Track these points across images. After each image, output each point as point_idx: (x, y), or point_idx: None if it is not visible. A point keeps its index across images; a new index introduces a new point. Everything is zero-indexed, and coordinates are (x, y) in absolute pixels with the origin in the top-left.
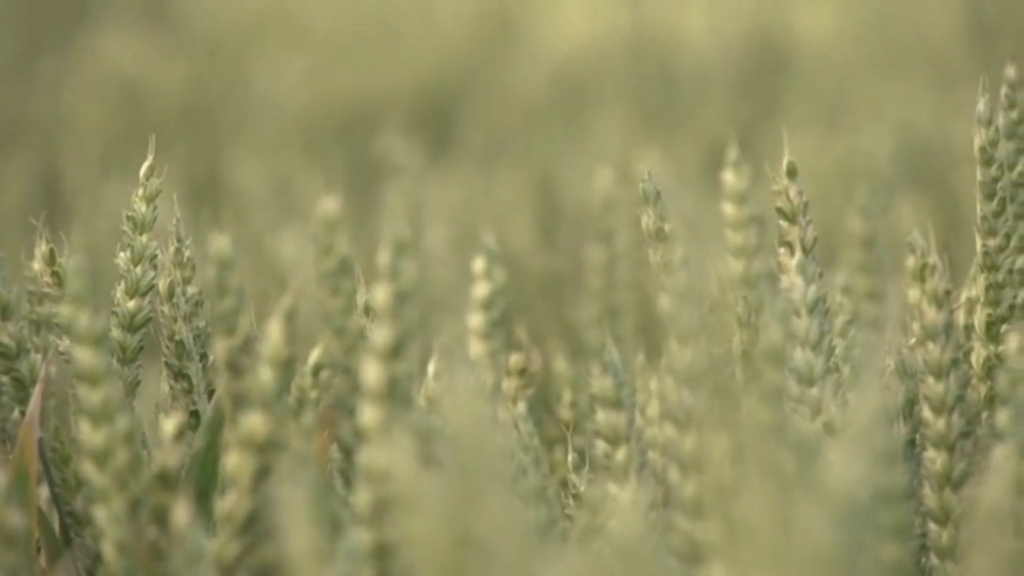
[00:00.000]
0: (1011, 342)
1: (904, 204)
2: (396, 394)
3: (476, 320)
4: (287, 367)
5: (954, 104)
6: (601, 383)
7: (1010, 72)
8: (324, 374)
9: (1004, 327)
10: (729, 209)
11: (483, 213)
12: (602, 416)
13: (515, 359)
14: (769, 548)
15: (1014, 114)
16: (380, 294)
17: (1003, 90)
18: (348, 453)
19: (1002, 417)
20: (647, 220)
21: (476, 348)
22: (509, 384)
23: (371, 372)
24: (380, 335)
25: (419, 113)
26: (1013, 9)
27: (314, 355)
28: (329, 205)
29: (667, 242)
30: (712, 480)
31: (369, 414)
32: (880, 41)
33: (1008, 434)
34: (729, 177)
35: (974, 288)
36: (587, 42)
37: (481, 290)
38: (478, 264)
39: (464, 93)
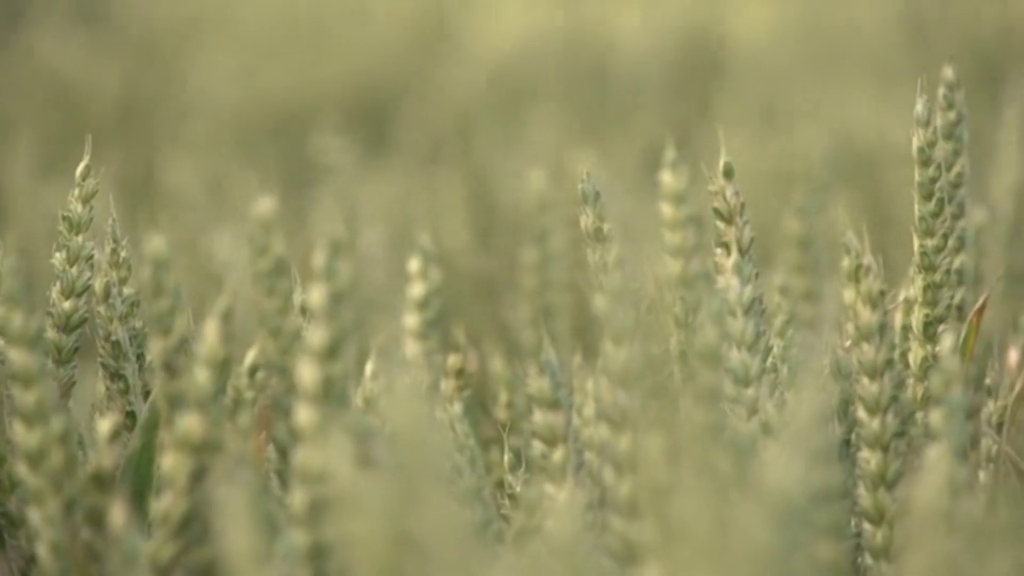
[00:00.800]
0: (944, 342)
1: (839, 204)
2: (332, 394)
3: (412, 320)
4: (223, 367)
5: (889, 104)
6: (538, 383)
7: (948, 73)
8: (260, 375)
9: (941, 327)
10: (666, 209)
11: (418, 213)
12: (539, 416)
13: (452, 359)
14: (705, 548)
15: (952, 115)
16: (316, 295)
17: (941, 91)
18: (284, 454)
19: (935, 417)
20: (586, 220)
21: (412, 348)
22: (446, 385)
23: (307, 373)
24: (316, 336)
25: (354, 113)
26: (948, 9)
27: (250, 356)
28: (265, 205)
29: (606, 242)
30: (647, 480)
31: (305, 415)
32: (816, 41)
33: (941, 434)
34: (666, 177)
35: (912, 288)
36: (523, 43)
37: (417, 290)
38: (414, 264)
39: (399, 93)
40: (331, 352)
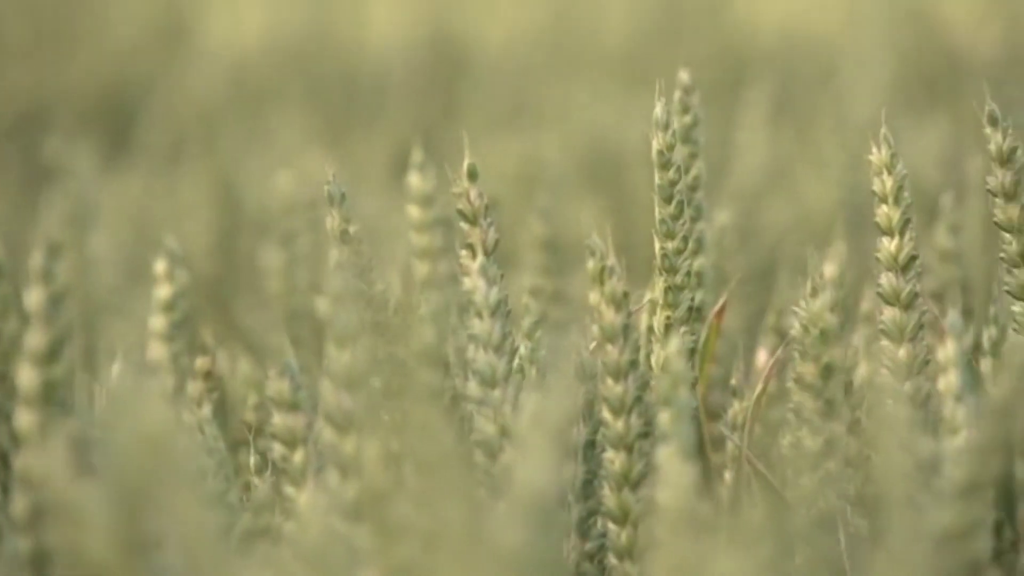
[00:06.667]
0: (671, 344)
1: (583, 206)
2: (53, 398)
3: (157, 322)
4: None
5: (634, 106)
6: (277, 386)
7: (683, 76)
8: None
9: (682, 329)
10: (414, 211)
11: (159, 215)
12: (279, 419)
13: (200, 361)
14: (451, 550)
15: (688, 118)
16: (34, 297)
17: (677, 94)
18: (3, 459)
19: (663, 418)
20: (331, 222)
21: (157, 350)
22: (194, 387)
23: (25, 376)
24: (34, 338)
25: (96, 112)
26: (689, 13)
27: None
28: None
29: (352, 244)
30: (369, 483)
31: (25, 419)
32: (565, 43)
33: (670, 435)
34: (414, 179)
35: (655, 290)
36: (266, 41)
37: (163, 292)
38: (159, 265)
39: (142, 92)
40: (51, 355)
